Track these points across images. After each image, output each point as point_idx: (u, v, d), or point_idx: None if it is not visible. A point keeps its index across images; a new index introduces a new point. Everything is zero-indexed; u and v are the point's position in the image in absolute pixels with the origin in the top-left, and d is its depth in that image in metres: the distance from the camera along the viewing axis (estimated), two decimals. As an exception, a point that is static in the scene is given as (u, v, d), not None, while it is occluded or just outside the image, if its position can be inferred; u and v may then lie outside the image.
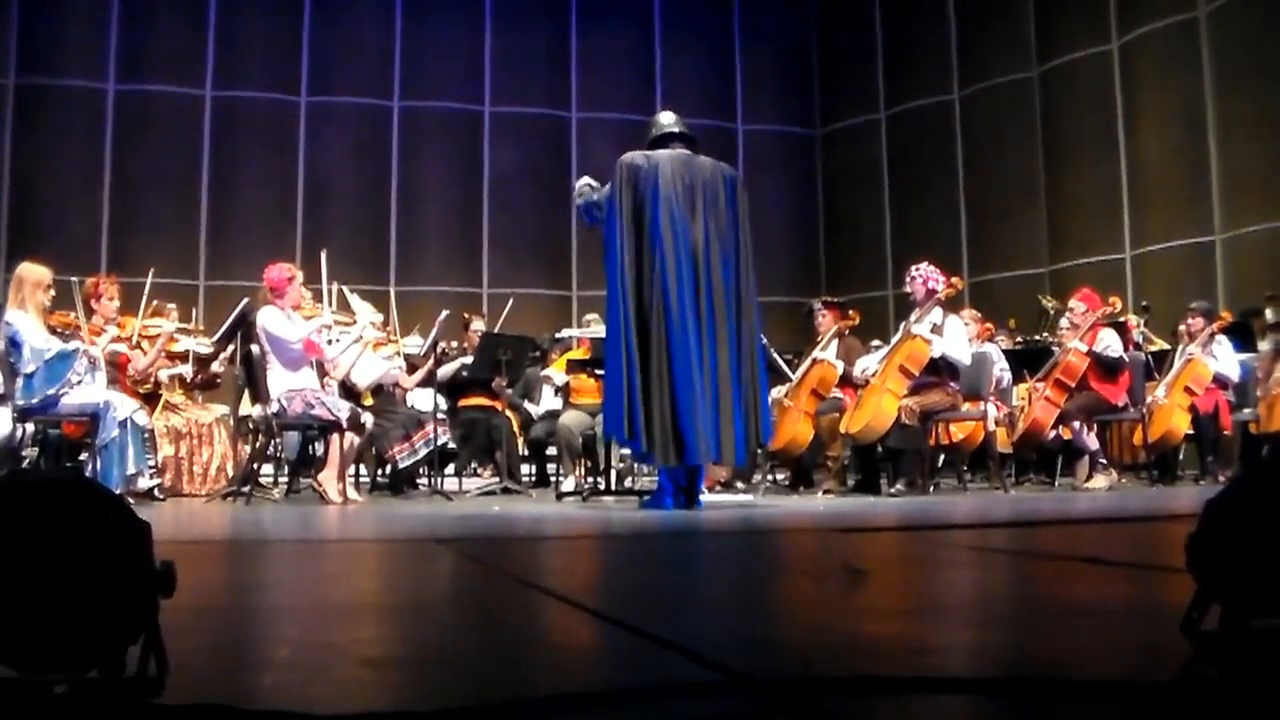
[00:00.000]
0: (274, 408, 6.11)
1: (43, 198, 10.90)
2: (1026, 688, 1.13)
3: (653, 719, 1.04)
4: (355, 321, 6.81)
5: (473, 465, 8.63)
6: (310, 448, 7.04)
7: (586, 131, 12.27)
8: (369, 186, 11.85)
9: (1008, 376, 7.81)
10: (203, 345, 7.14)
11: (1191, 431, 7.47)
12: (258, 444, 6.55)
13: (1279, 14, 9.08)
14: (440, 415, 7.34)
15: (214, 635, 1.61)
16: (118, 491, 4.97)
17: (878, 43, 12.69)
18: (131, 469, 5.77)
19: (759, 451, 6.89)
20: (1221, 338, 7.62)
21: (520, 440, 8.20)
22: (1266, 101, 9.15)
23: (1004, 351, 7.99)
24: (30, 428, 6.20)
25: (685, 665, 1.29)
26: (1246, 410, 7.66)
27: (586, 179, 5.68)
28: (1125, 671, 1.24)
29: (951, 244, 11.54)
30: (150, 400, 6.64)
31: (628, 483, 7.18)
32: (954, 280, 7.05)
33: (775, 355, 7.65)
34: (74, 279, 6.70)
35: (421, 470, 7.38)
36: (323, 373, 6.61)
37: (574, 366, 7.42)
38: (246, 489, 6.02)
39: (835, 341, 7.42)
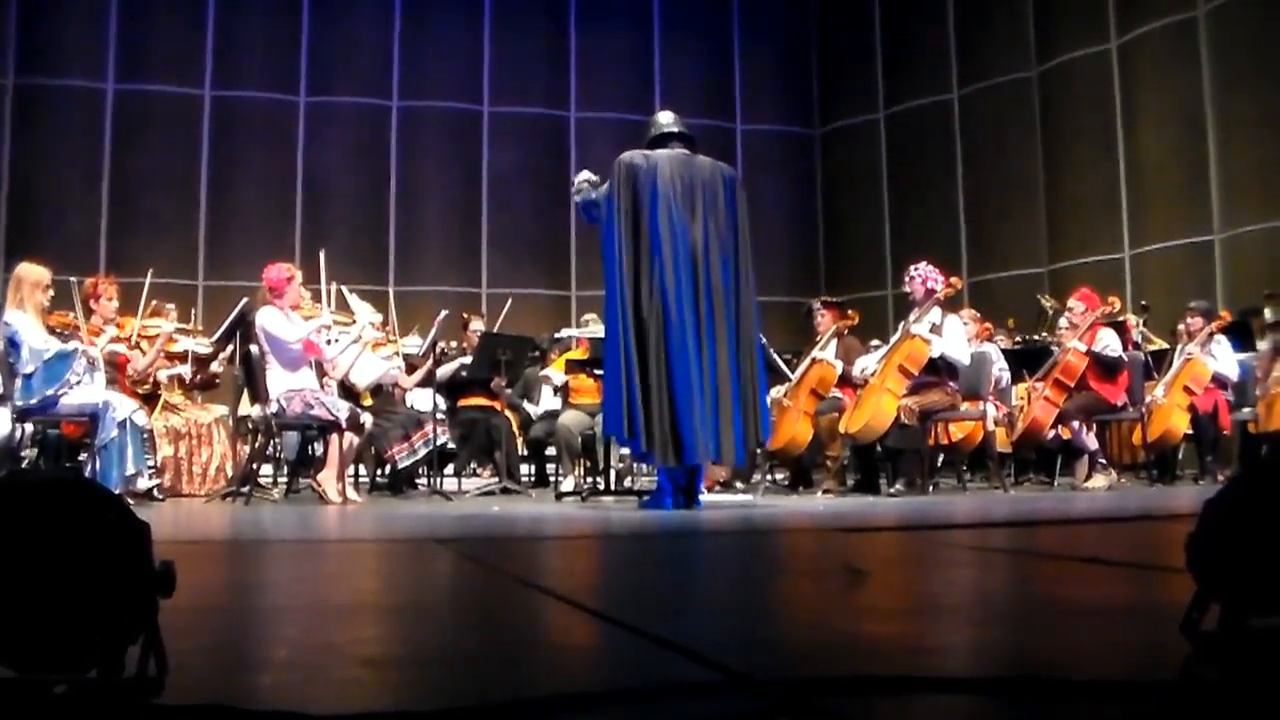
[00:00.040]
0: (273, 408, 6.11)
1: (42, 198, 10.89)
2: (1026, 687, 1.13)
3: (653, 719, 1.04)
4: (354, 321, 6.82)
5: (472, 465, 8.63)
6: (309, 448, 7.04)
7: (586, 131, 12.26)
8: (368, 186, 11.85)
9: (1007, 376, 7.81)
10: (202, 345, 7.14)
11: (1190, 431, 7.48)
12: (257, 444, 6.55)
13: (1278, 14, 9.08)
14: (439, 415, 7.34)
15: (214, 635, 1.61)
16: (117, 492, 4.97)
17: (877, 42, 12.69)
18: (131, 469, 5.77)
19: (758, 451, 6.90)
20: (1220, 337, 7.62)
21: (519, 440, 8.20)
22: (1265, 101, 9.15)
23: (1003, 351, 7.99)
24: (29, 428, 6.21)
25: (685, 665, 1.29)
26: (1245, 410, 7.67)
27: (586, 173, 5.66)
28: (1125, 671, 1.24)
29: (950, 244, 11.54)
30: (149, 400, 6.63)
31: (627, 483, 7.18)
32: (953, 280, 7.05)
33: (774, 355, 7.64)
34: (73, 279, 6.69)
35: (421, 470, 7.38)
36: (322, 373, 6.61)
37: (573, 366, 7.42)
38: (246, 489, 6.02)
39: (834, 341, 7.42)
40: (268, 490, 6.74)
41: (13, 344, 5.78)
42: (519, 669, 1.33)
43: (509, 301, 9.38)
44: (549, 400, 8.25)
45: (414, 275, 11.66)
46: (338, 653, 1.44)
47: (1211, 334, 7.54)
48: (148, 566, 1.04)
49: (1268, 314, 7.92)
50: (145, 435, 5.90)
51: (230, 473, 6.70)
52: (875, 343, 7.84)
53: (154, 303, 7.08)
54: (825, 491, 6.86)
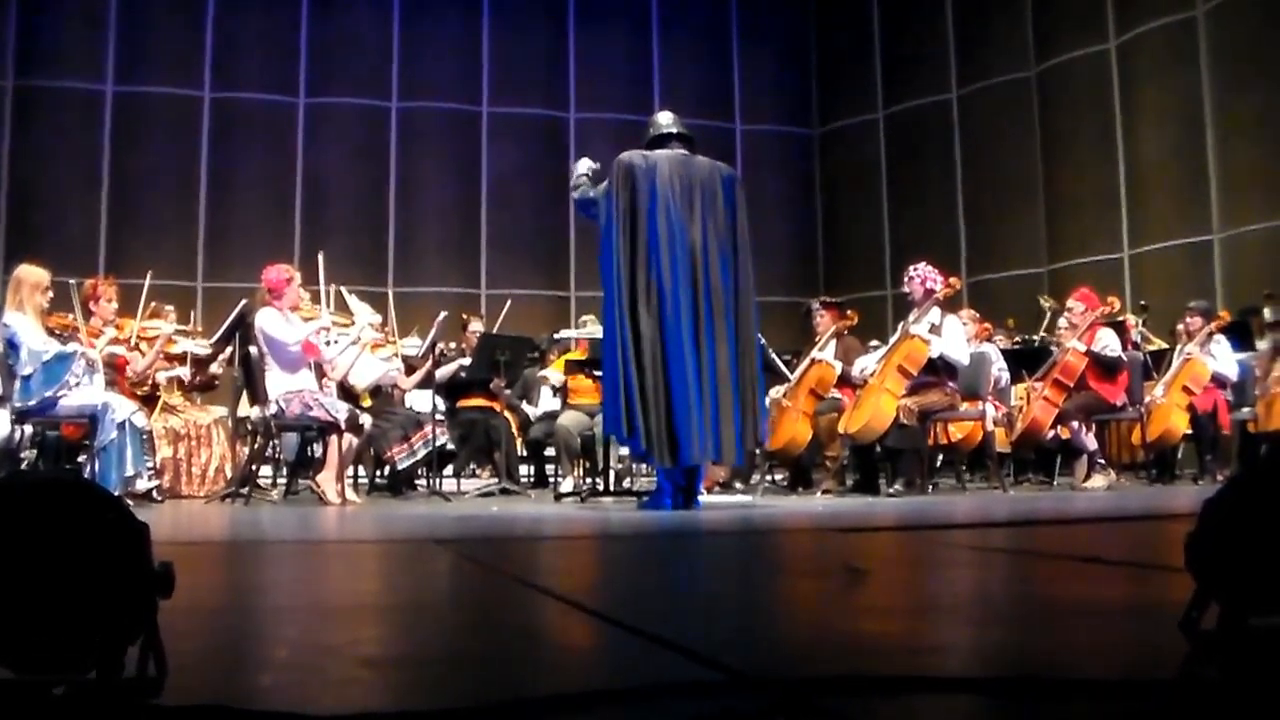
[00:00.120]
0: (272, 409, 6.11)
1: (41, 199, 10.89)
2: (1026, 687, 1.13)
3: (652, 719, 1.04)
4: (353, 322, 6.81)
5: (471, 466, 8.63)
6: (309, 449, 7.03)
7: (585, 132, 12.26)
8: (367, 187, 11.85)
9: (1006, 376, 7.81)
10: (201, 347, 7.14)
11: (1190, 431, 7.48)
12: (256, 445, 6.54)
13: (1277, 13, 9.08)
14: (439, 416, 7.34)
15: (213, 636, 1.61)
16: (116, 493, 4.96)
17: (876, 42, 12.69)
18: (130, 470, 5.76)
19: (757, 452, 6.90)
20: (1220, 337, 7.63)
21: (519, 441, 8.20)
22: (1265, 101, 9.15)
23: (1002, 351, 7.99)
24: (29, 429, 6.20)
25: (685, 665, 1.29)
26: (1245, 409, 7.67)
27: (586, 161, 5.58)
28: (1124, 670, 1.25)
29: (950, 244, 11.54)
30: (149, 402, 6.63)
31: (626, 483, 7.18)
32: (952, 280, 7.04)
33: (774, 355, 7.64)
34: (72, 281, 6.69)
35: (420, 471, 7.37)
36: (321, 374, 6.61)
37: (572, 367, 7.42)
38: (245, 490, 6.02)
39: (834, 341, 7.42)
40: (267, 491, 6.73)
41: (12, 345, 5.78)
42: (519, 669, 1.33)
43: (508, 302, 9.38)
44: (548, 401, 8.25)
45: (413, 276, 11.66)
46: (337, 653, 1.44)
47: (1211, 334, 7.54)
48: (147, 567, 1.04)
49: (1267, 313, 7.93)
50: (144, 436, 5.90)
51: (229, 474, 6.70)
52: (874, 343, 7.84)
53: (153, 304, 7.08)
54: (824, 492, 6.86)
